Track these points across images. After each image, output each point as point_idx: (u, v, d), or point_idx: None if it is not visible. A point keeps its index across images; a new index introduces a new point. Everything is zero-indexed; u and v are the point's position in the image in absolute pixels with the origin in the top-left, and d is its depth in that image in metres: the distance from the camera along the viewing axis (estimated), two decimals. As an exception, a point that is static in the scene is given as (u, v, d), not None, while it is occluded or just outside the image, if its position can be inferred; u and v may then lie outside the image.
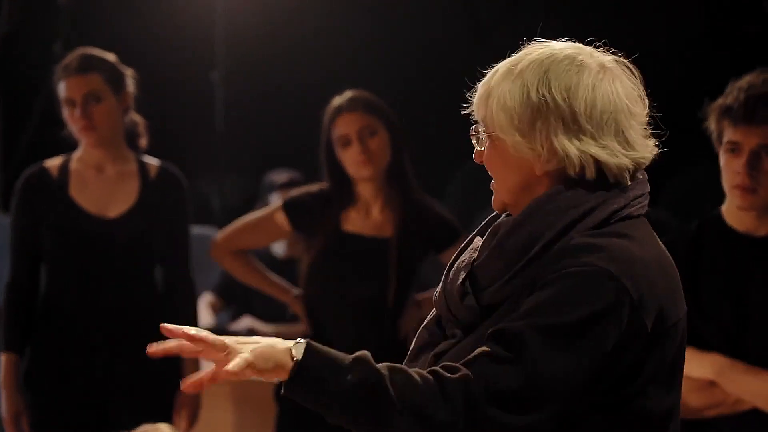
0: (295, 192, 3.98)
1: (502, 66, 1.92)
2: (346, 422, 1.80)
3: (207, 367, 1.80)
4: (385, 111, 3.80)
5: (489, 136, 1.91)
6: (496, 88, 1.90)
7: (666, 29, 6.27)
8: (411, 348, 1.99)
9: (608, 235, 1.85)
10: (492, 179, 1.95)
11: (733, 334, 2.87)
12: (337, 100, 3.81)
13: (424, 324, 2.00)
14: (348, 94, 3.82)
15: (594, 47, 1.94)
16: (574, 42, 1.95)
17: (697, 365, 2.85)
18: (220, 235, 4.01)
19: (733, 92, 2.86)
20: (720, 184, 2.96)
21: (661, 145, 1.95)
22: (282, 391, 1.79)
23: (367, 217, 3.81)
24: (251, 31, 6.89)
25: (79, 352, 3.71)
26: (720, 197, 3.01)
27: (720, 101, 2.88)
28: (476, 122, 1.95)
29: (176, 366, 3.79)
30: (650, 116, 1.94)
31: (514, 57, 1.92)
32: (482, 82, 1.93)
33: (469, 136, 1.96)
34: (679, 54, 6.20)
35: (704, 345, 2.87)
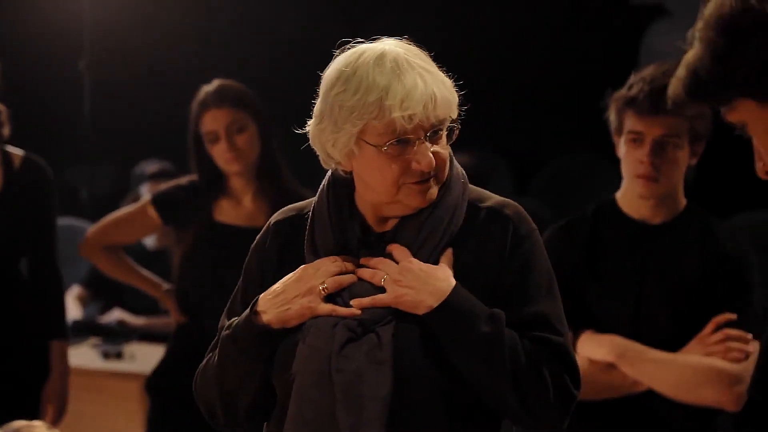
0: (164, 186, 3.94)
1: (418, 70, 2.05)
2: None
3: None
4: (253, 103, 3.76)
5: (450, 127, 2.10)
6: (437, 85, 2.06)
7: (534, 22, 6.36)
8: (334, 345, 2.06)
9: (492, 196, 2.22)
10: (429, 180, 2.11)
11: (630, 320, 2.93)
12: (204, 93, 3.76)
13: (337, 323, 2.08)
14: (215, 84, 3.77)
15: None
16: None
17: (597, 347, 2.91)
18: (89, 231, 3.95)
19: (638, 83, 2.92)
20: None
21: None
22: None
23: (239, 207, 3.79)
24: (119, 19, 6.80)
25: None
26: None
27: (623, 92, 2.94)
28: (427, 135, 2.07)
29: (42, 360, 3.74)
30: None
31: (408, 60, 2.06)
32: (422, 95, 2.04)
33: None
34: (548, 45, 6.29)
35: (602, 329, 2.93)
